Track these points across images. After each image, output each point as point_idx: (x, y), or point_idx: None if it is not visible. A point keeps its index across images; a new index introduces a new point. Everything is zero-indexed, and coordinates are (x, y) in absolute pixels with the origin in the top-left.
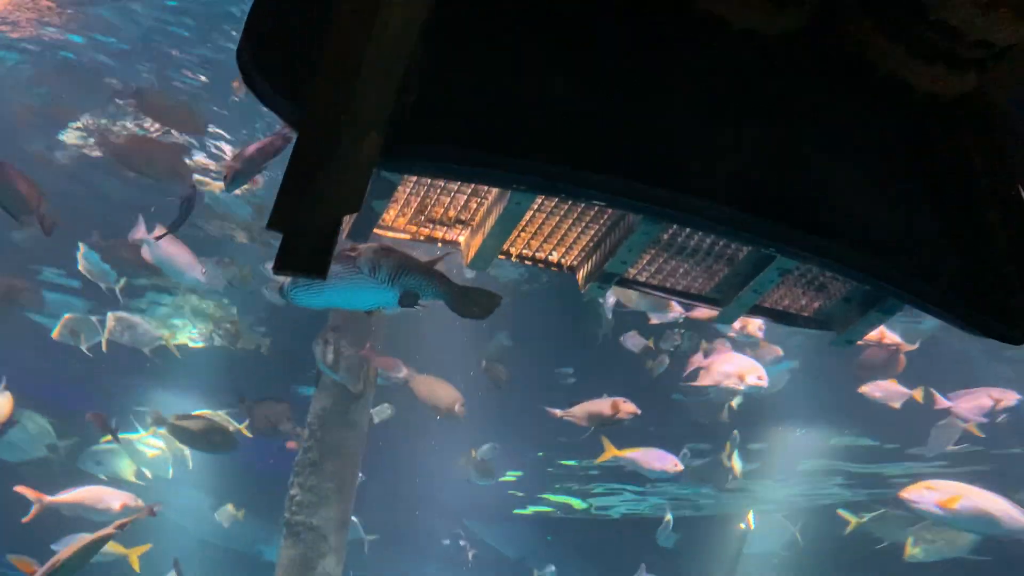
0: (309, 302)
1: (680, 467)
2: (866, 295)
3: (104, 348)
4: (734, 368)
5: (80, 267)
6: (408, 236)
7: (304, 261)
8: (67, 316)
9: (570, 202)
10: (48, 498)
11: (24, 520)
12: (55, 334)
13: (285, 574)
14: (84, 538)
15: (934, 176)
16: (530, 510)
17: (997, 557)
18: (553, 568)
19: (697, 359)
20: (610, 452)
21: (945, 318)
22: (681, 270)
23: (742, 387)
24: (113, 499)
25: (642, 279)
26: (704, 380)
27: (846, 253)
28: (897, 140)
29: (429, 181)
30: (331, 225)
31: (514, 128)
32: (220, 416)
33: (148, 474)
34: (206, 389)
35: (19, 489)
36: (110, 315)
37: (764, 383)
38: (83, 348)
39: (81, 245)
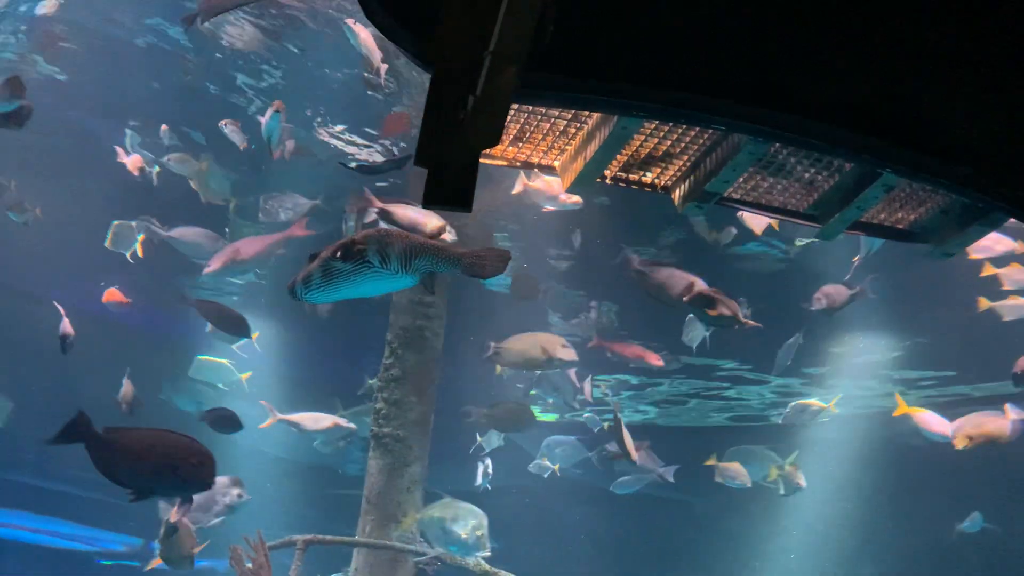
0: (325, 299)
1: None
2: (965, 208)
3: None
4: None
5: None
6: (505, 162)
7: (450, 195)
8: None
9: (681, 126)
10: (279, 415)
11: (261, 426)
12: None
13: (375, 482)
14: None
15: None
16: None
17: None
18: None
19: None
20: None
21: None
22: (779, 187)
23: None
24: (325, 420)
25: (737, 196)
26: None
27: (956, 170)
28: (1006, 57)
29: (530, 108)
30: (473, 159)
31: (639, 57)
32: None
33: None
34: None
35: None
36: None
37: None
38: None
39: None
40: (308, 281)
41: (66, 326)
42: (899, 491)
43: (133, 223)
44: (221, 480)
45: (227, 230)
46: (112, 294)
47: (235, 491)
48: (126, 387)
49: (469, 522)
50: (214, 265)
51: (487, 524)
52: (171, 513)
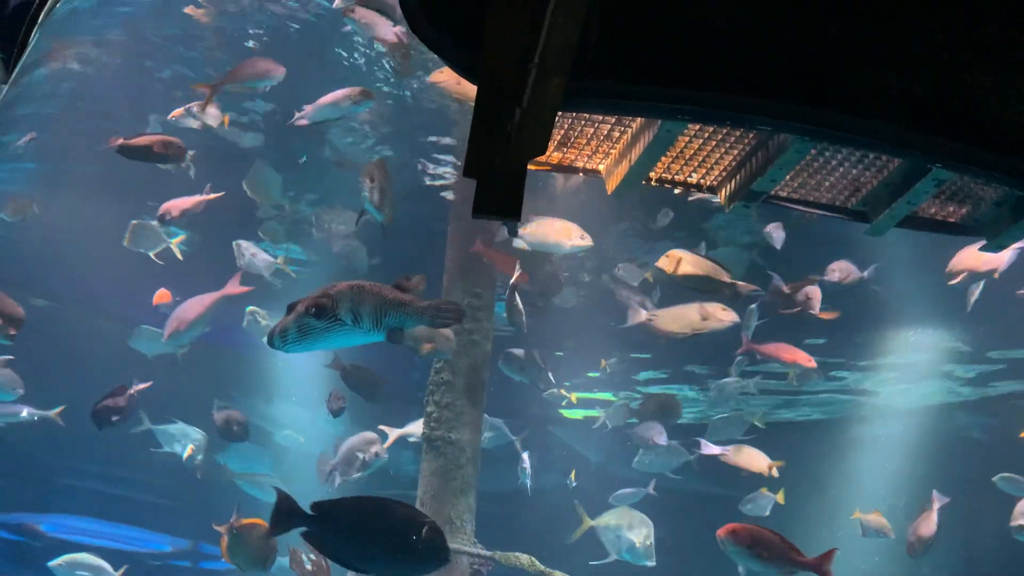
0: (298, 350)
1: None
2: (1020, 200)
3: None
4: None
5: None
6: (549, 167)
7: (499, 204)
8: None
9: (723, 127)
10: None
11: (385, 445)
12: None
13: (429, 484)
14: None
15: None
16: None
17: None
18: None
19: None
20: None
21: None
22: (826, 184)
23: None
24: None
25: (784, 194)
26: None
27: (1010, 163)
28: None
29: (574, 113)
30: (521, 168)
31: (683, 60)
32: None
33: None
34: None
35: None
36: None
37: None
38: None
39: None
40: (285, 335)
41: (117, 402)
42: (962, 488)
43: (153, 222)
44: (365, 436)
45: (260, 234)
46: (163, 295)
47: (374, 448)
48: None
49: (641, 531)
50: (165, 336)
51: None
52: (234, 519)
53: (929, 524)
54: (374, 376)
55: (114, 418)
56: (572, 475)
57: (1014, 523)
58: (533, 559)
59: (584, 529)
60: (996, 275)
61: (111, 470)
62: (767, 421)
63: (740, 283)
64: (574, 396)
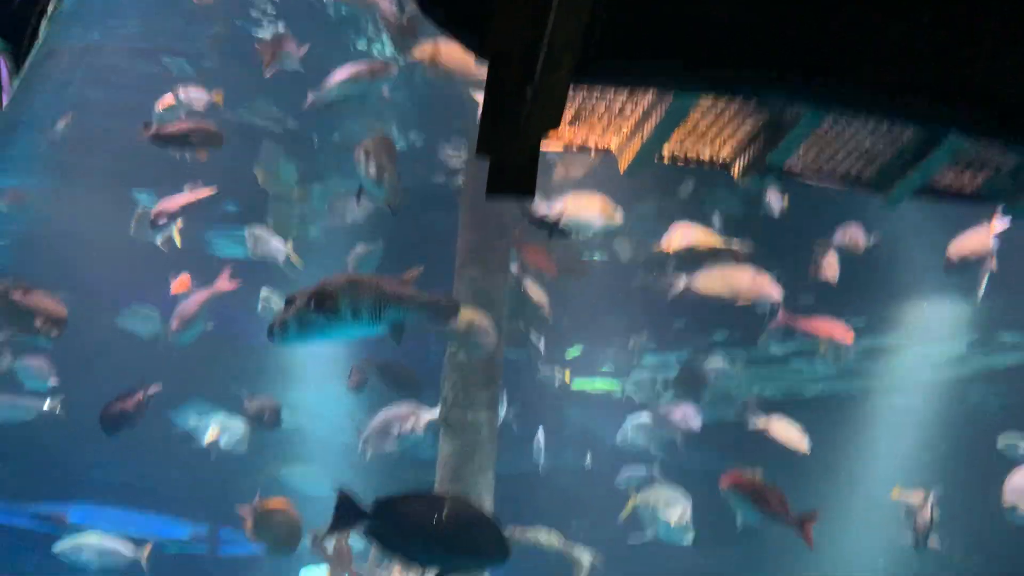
0: (301, 342)
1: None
2: None
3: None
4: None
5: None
6: (560, 147)
7: (512, 183)
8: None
9: (735, 100)
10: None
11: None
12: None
13: (447, 465)
14: None
15: None
16: None
17: None
18: None
19: None
20: None
21: None
22: (839, 156)
23: None
24: None
25: (798, 169)
26: None
27: None
28: None
29: (586, 87)
30: (534, 146)
31: (695, 34)
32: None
33: None
34: None
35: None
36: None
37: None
38: None
39: None
40: (284, 328)
41: (126, 406)
42: (973, 465)
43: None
44: (401, 408)
45: (269, 220)
46: (182, 283)
47: (411, 422)
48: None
49: (677, 509)
50: (168, 337)
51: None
52: (257, 500)
53: (924, 515)
54: (408, 371)
55: (123, 423)
56: (588, 458)
57: (1007, 503)
58: (555, 533)
59: (631, 507)
60: (992, 261)
61: (135, 460)
62: (776, 396)
63: (735, 246)
64: (568, 375)
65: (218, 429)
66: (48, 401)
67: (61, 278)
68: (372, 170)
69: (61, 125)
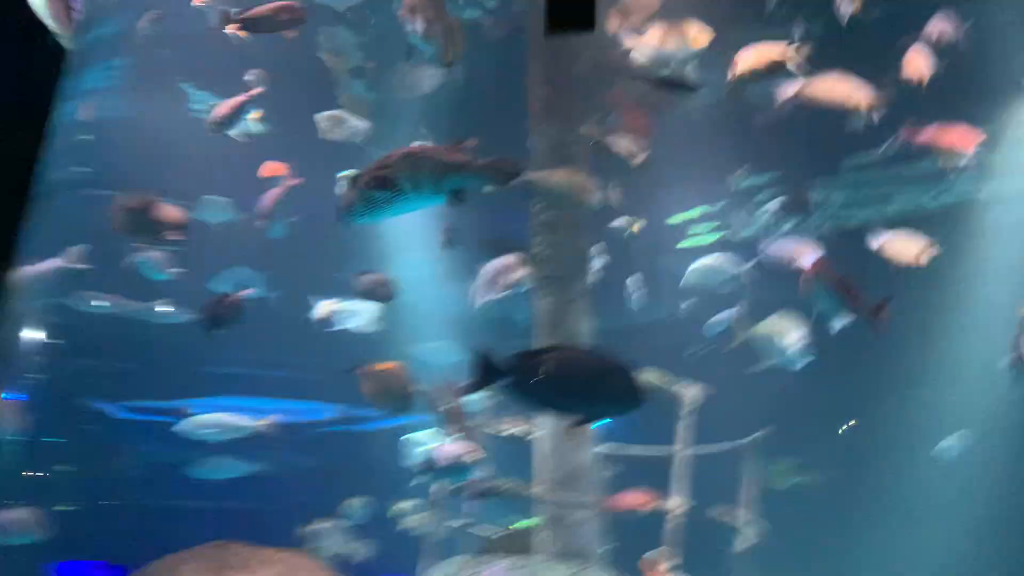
0: (367, 222)
1: None
2: None
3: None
4: None
5: None
6: None
7: (572, 15)
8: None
9: None
10: None
11: None
12: None
13: (543, 323)
14: None
15: None
16: None
17: None
18: None
19: None
20: None
21: None
22: None
23: None
24: None
25: None
26: None
27: None
28: None
29: None
30: None
31: None
32: None
33: None
34: None
35: None
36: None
37: None
38: None
39: None
40: (351, 210)
41: (221, 309)
42: None
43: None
44: (506, 260)
45: (340, 102)
46: (273, 167)
47: (516, 273)
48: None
49: (793, 335)
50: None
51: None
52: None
53: None
54: (512, 241)
55: (219, 325)
56: (685, 305)
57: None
58: (659, 371)
59: (741, 339)
60: None
61: (259, 351)
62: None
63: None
64: (636, 226)
65: (343, 311)
66: (163, 303)
67: (150, 181)
68: (419, 27)
69: (144, 23)
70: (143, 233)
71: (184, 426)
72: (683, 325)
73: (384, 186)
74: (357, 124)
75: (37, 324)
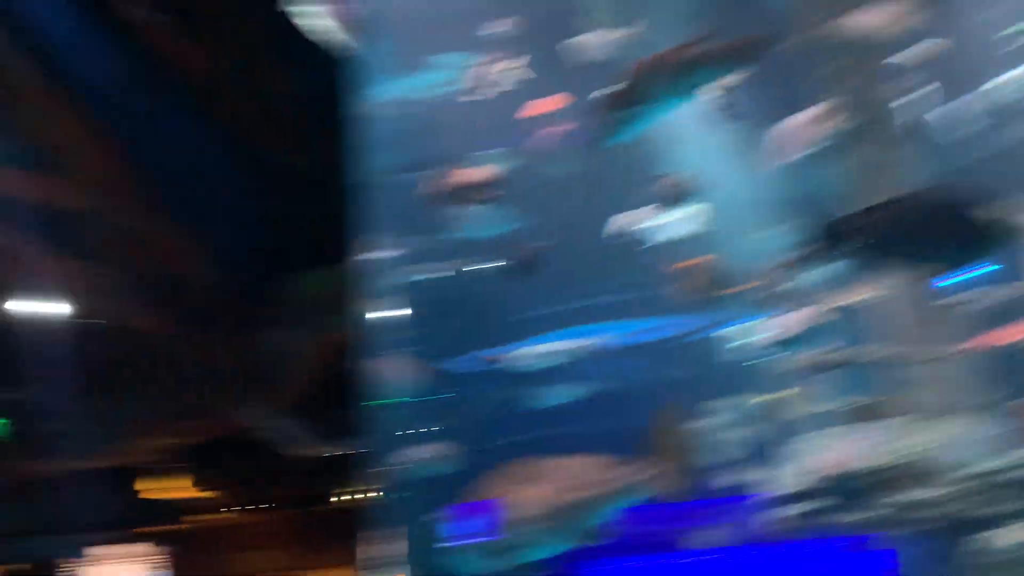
0: (629, 136)
1: None
2: None
3: None
4: None
5: None
6: None
7: None
8: None
9: None
10: None
11: None
12: None
13: (857, 183)
14: None
15: None
16: None
17: None
18: None
19: None
20: None
21: None
22: None
23: None
24: None
25: None
26: None
27: None
28: None
29: None
30: None
31: None
32: None
33: None
34: None
35: None
36: None
37: None
38: None
39: None
40: (609, 128)
41: (527, 256)
42: None
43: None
44: (805, 114)
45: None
46: (546, 103)
47: (822, 124)
48: None
49: None
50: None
51: None
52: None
53: None
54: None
55: (526, 271)
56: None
57: None
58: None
59: None
60: None
61: (585, 286)
62: None
63: None
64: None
65: (652, 224)
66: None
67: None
68: None
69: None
70: (461, 201)
71: (505, 358)
72: None
73: (630, 103)
74: (607, 37)
75: (394, 300)
